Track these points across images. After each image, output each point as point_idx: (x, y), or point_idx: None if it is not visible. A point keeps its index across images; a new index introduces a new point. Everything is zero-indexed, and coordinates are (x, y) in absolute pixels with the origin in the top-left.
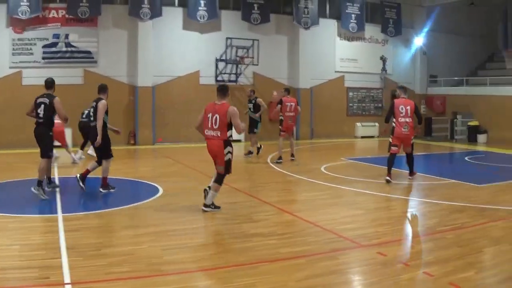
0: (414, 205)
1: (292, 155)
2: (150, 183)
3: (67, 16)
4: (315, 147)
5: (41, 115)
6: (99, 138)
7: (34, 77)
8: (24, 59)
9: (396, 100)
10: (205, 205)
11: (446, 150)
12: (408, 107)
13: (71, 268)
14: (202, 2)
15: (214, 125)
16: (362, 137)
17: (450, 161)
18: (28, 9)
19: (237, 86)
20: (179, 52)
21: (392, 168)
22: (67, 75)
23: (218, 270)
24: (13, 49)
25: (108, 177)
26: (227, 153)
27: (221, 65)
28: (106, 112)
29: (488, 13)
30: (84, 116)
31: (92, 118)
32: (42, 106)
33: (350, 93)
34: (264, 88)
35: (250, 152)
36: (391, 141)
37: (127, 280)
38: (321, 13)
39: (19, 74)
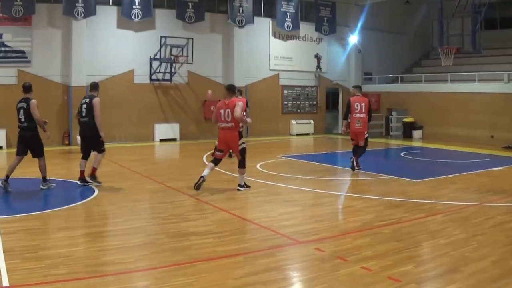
0: (351, 201)
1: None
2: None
3: (0, 15)
4: (251, 145)
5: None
6: (103, 133)
7: None
8: None
9: (351, 98)
10: (240, 185)
11: (381, 146)
12: (363, 104)
13: (8, 271)
14: (136, 1)
15: (227, 118)
16: (298, 134)
17: (385, 157)
18: None
19: (171, 85)
20: (113, 51)
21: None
22: (0, 75)
23: (155, 270)
24: None
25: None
26: (241, 143)
27: (155, 64)
28: None
29: (423, 11)
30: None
31: (84, 114)
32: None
33: (285, 91)
34: (199, 87)
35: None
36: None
37: (65, 282)
38: (256, 12)
39: None
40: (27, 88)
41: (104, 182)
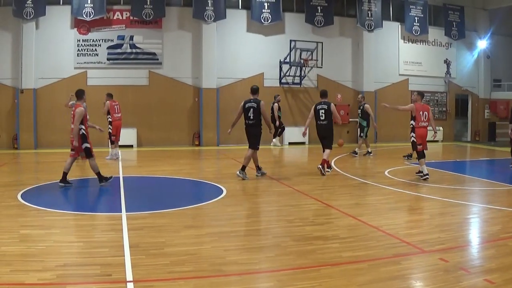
0: (477, 211)
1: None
2: (213, 184)
3: (131, 18)
4: (379, 151)
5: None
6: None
7: (99, 77)
8: (89, 60)
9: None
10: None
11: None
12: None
13: (133, 266)
14: (266, 5)
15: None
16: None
17: None
18: (92, 11)
19: (301, 88)
20: (243, 54)
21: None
22: (132, 76)
23: (279, 272)
24: (78, 50)
25: (171, 177)
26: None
27: (285, 67)
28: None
29: None
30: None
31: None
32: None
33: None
34: (329, 91)
35: (355, 153)
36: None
37: (189, 280)
38: (385, 16)
39: (84, 75)
40: (255, 90)
41: (233, 183)
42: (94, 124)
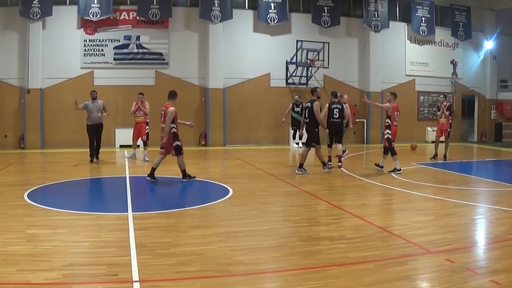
0: (484, 212)
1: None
2: (220, 184)
3: (138, 18)
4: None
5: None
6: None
7: (106, 77)
8: (96, 60)
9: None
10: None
11: None
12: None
13: (139, 266)
14: (272, 5)
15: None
16: (433, 142)
17: None
18: (99, 11)
19: (307, 89)
20: (249, 54)
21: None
22: (138, 76)
23: (285, 273)
24: (85, 50)
25: (177, 177)
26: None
27: (291, 67)
28: None
29: None
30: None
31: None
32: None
33: (421, 97)
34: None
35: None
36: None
37: (195, 280)
38: (391, 16)
39: (90, 75)
40: (312, 91)
41: (239, 183)
42: (184, 120)
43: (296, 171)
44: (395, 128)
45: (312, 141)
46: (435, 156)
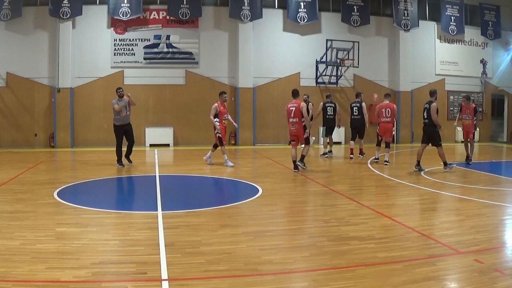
0: None
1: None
2: (249, 183)
3: (168, 17)
4: (416, 151)
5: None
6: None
7: (136, 76)
8: (126, 59)
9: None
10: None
11: None
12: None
13: (168, 264)
14: (302, 4)
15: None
16: (462, 141)
17: None
18: (129, 10)
19: (337, 88)
20: (279, 53)
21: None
22: (169, 76)
23: (314, 272)
24: (115, 49)
25: (207, 176)
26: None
27: (321, 67)
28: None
29: None
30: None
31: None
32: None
33: (451, 97)
34: (365, 90)
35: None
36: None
37: (224, 279)
38: (421, 15)
39: (121, 74)
40: (432, 93)
41: (269, 183)
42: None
43: (414, 167)
44: (381, 124)
45: (432, 141)
46: (468, 157)
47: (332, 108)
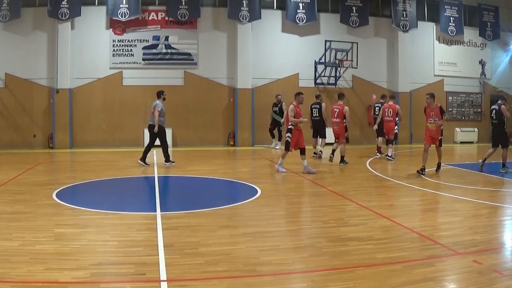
0: None
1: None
2: (248, 184)
3: (166, 18)
4: (414, 152)
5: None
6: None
7: (134, 77)
8: (125, 60)
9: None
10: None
11: None
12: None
13: (167, 265)
14: (301, 5)
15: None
16: (461, 142)
17: None
18: (128, 11)
19: (336, 89)
20: (278, 54)
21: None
22: (167, 77)
23: (313, 273)
24: (113, 50)
25: (206, 177)
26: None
27: (320, 68)
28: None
29: None
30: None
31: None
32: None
33: (450, 98)
34: (363, 91)
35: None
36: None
37: (223, 280)
38: (420, 16)
39: (119, 75)
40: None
41: (267, 184)
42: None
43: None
44: (385, 124)
45: (499, 141)
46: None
47: (317, 109)
